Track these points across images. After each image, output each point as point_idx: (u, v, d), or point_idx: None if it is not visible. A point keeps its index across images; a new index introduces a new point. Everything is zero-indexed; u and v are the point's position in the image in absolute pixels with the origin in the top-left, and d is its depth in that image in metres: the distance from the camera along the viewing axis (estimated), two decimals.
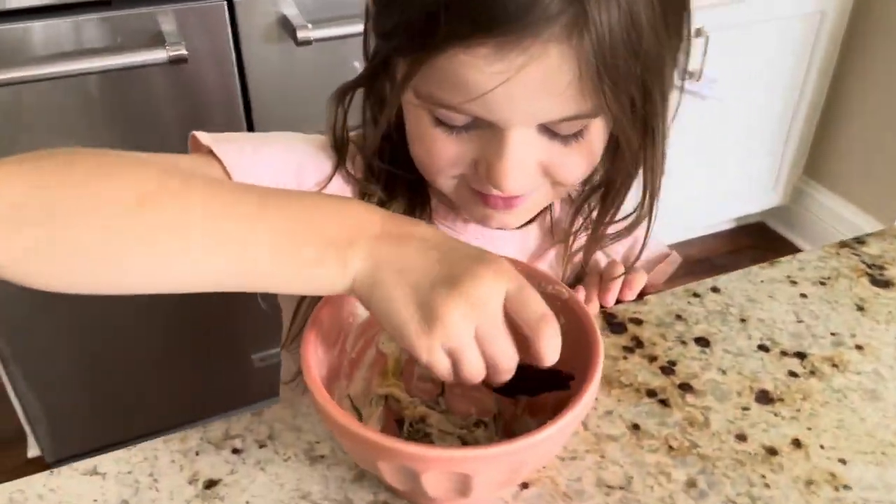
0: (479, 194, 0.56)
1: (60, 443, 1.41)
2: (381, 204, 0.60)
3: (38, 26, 1.07)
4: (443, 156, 0.53)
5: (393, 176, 0.61)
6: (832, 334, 0.61)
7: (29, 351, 1.28)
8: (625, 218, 0.62)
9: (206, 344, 1.43)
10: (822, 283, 0.67)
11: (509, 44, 0.44)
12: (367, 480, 0.49)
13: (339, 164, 0.60)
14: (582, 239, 0.67)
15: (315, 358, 0.45)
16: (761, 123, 1.86)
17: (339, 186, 0.61)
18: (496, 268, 0.41)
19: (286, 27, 1.23)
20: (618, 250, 0.70)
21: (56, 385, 1.34)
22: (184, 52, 1.14)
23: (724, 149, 1.84)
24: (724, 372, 0.58)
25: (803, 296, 0.66)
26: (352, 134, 0.61)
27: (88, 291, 0.40)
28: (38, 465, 1.43)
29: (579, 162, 0.54)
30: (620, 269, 0.66)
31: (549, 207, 0.68)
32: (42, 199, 0.37)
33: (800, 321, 0.63)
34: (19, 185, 0.37)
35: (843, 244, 0.71)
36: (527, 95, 0.47)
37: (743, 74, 1.73)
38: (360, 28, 1.49)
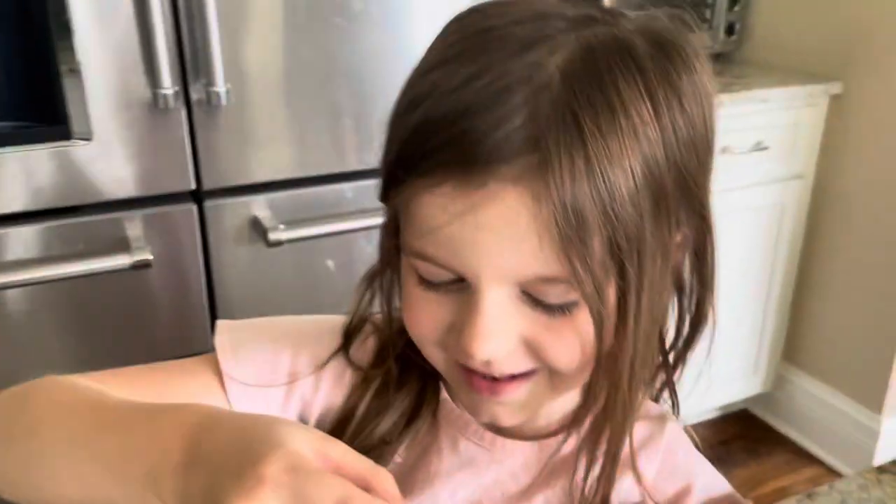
0: (465, 373, 0.50)
1: None
2: (385, 389, 0.57)
3: (10, 233, 1.03)
4: (422, 318, 0.50)
5: (406, 363, 0.57)
6: None
7: None
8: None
9: None
10: None
11: (468, 182, 0.43)
12: None
13: (342, 348, 0.59)
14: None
15: None
16: (738, 311, 1.85)
17: (338, 371, 0.58)
18: (252, 487, 0.33)
19: (257, 228, 1.21)
20: (666, 492, 0.60)
21: None
22: (148, 256, 1.11)
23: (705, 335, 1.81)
24: None
25: None
26: (377, 315, 0.59)
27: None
28: None
29: (569, 343, 0.47)
30: None
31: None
32: None
33: None
34: None
35: (881, 469, 0.64)
36: (492, 242, 0.44)
37: (722, 263, 1.73)
38: (331, 228, 1.45)
